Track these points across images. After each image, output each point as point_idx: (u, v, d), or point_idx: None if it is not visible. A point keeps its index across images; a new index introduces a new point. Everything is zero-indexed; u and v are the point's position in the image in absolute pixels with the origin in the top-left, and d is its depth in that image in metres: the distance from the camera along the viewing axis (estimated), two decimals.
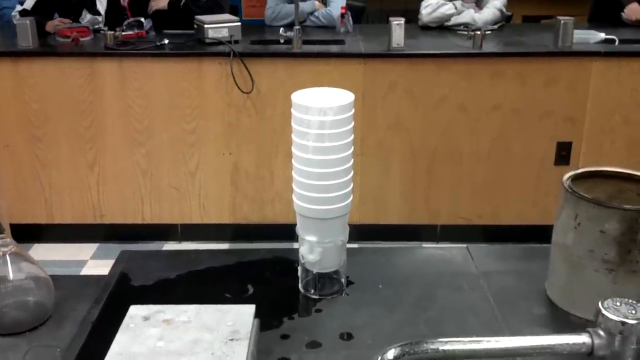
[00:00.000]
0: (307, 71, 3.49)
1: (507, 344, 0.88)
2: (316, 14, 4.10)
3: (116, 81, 3.53)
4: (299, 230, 1.34)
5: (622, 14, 4.11)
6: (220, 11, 3.88)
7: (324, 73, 3.48)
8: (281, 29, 3.80)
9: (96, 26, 3.85)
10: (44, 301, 1.31)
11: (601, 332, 0.85)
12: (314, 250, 1.31)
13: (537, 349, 0.88)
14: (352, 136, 1.29)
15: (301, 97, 1.27)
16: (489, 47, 3.59)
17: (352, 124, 1.28)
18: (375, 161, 3.61)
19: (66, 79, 3.52)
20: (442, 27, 4.01)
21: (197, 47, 3.59)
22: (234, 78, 3.45)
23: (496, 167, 3.63)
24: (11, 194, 3.67)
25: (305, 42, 3.62)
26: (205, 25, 3.57)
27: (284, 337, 1.24)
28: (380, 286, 1.40)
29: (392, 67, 3.51)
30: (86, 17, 3.87)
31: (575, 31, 3.55)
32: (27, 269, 1.30)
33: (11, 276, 1.28)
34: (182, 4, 3.93)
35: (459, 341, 0.87)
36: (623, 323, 0.84)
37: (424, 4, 4.03)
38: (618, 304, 0.86)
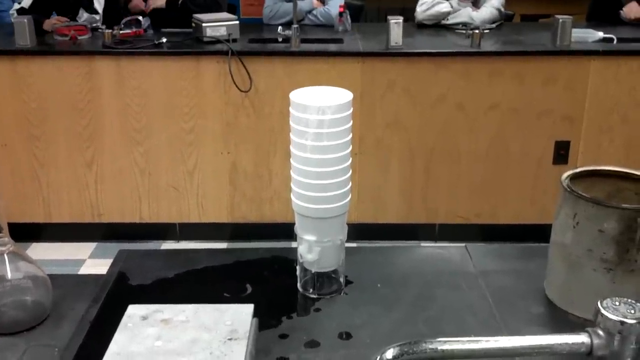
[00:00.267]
0: (305, 70, 3.49)
1: (506, 344, 0.88)
2: (314, 12, 4.09)
3: (114, 80, 3.53)
4: (297, 229, 1.34)
5: (621, 12, 4.12)
6: (218, 10, 3.88)
7: (322, 72, 3.48)
8: (279, 28, 3.80)
9: (94, 25, 3.84)
10: (42, 300, 1.31)
11: (600, 332, 0.85)
12: (313, 249, 1.31)
13: (536, 348, 0.88)
14: (351, 135, 1.29)
15: (300, 96, 1.27)
16: (487, 46, 3.59)
17: (351, 122, 1.28)
18: (374, 160, 3.61)
19: (64, 78, 3.52)
20: (440, 26, 4.01)
21: (195, 46, 3.59)
22: (232, 77, 3.44)
23: (494, 166, 3.63)
24: (9, 193, 3.66)
25: (304, 41, 3.62)
26: (203, 24, 3.57)
27: (283, 336, 1.23)
28: (378, 285, 1.39)
29: (390, 66, 3.51)
30: (84, 16, 3.86)
31: (574, 30, 3.56)
32: (25, 268, 1.30)
33: (9, 275, 1.27)
34: (180, 2, 3.93)
35: (458, 341, 0.87)
36: (622, 323, 0.84)
37: (419, 1, 4.04)
38: (617, 303, 0.86)
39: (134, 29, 3.73)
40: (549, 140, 3.59)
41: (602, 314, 0.85)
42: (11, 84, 3.53)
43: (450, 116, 3.55)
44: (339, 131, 1.25)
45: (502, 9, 4.05)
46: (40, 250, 3.62)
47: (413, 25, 4.03)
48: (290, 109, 1.27)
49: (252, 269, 1.46)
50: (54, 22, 3.80)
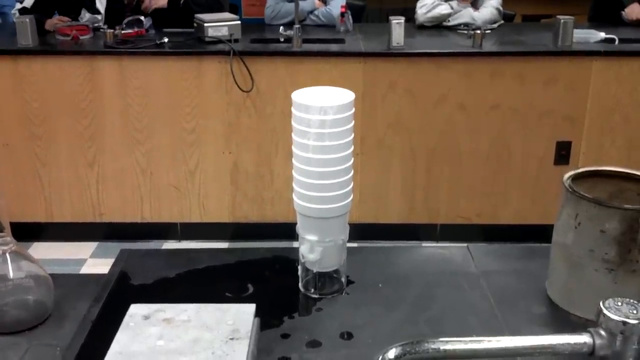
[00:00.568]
0: (307, 70, 3.49)
1: (508, 344, 0.88)
2: (316, 12, 4.09)
3: (116, 80, 3.53)
4: (299, 229, 1.34)
5: (622, 13, 4.11)
6: (220, 10, 3.88)
7: (324, 72, 3.48)
8: (281, 28, 3.80)
9: (96, 24, 3.84)
10: (44, 300, 1.31)
11: (602, 332, 0.85)
12: (314, 249, 1.31)
13: (538, 348, 0.88)
14: (352, 135, 1.29)
15: (301, 96, 1.27)
16: (488, 46, 3.58)
17: (352, 123, 1.28)
18: (375, 160, 3.61)
19: (66, 78, 3.52)
20: (441, 26, 4.01)
21: (196, 46, 3.59)
22: (233, 77, 3.44)
23: (496, 166, 3.63)
24: (11, 192, 3.67)
25: (305, 41, 3.62)
26: (205, 24, 3.57)
27: (284, 336, 1.24)
28: (380, 285, 1.40)
29: (392, 66, 3.51)
30: (86, 16, 3.86)
31: (575, 30, 3.55)
32: (27, 267, 1.30)
33: (11, 275, 1.28)
34: (182, 2, 3.93)
35: (460, 341, 0.87)
36: (624, 323, 0.84)
37: (419, 4, 4.03)
38: (619, 303, 0.86)
39: (136, 29, 3.73)
40: (550, 141, 3.58)
41: (604, 314, 0.85)
42: (13, 83, 3.53)
43: (451, 116, 3.55)
44: (341, 131, 1.25)
45: (501, 9, 4.06)
46: (41, 250, 3.63)
47: (414, 25, 4.03)
48: (292, 109, 1.27)
49: (253, 268, 1.46)
50: (56, 21, 3.81)
